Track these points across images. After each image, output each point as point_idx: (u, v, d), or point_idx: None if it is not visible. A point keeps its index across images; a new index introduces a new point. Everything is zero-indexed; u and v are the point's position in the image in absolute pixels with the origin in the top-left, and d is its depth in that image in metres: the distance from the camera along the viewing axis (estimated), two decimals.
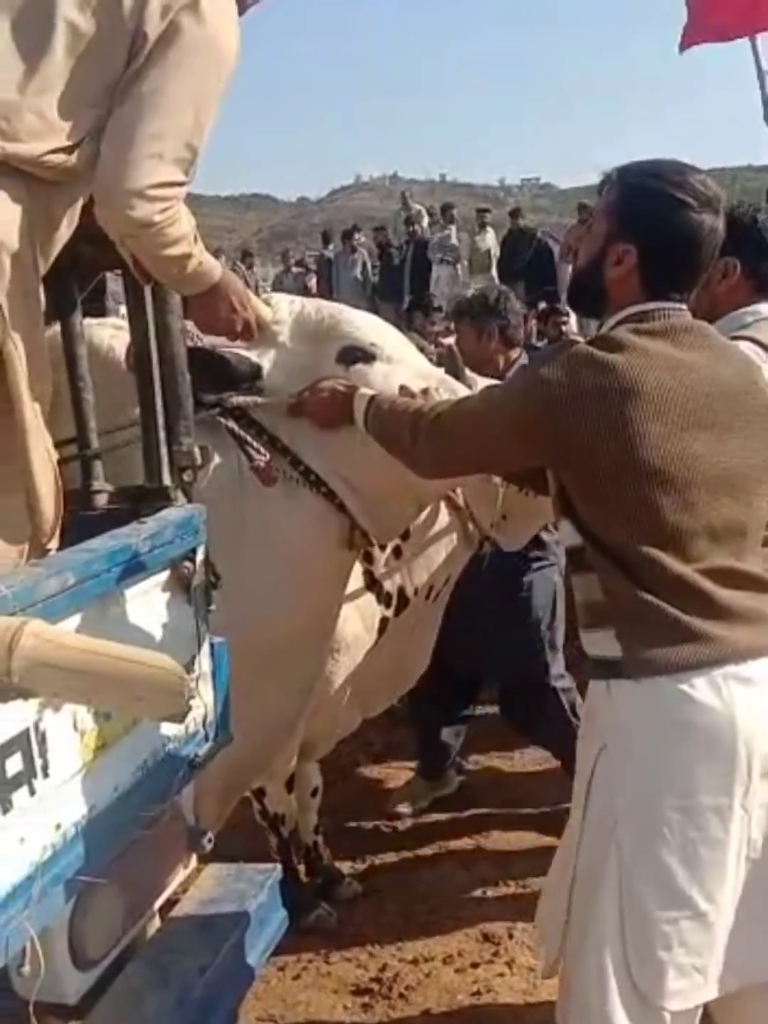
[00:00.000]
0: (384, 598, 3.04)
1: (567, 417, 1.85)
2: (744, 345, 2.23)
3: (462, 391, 2.53)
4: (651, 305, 1.93)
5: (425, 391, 2.44)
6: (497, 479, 2.70)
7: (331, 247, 15.76)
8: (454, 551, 3.12)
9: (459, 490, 2.93)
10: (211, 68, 1.82)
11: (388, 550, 3.00)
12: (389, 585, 3.05)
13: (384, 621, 3.05)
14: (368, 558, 2.96)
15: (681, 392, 1.85)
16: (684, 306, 1.96)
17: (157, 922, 2.09)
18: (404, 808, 3.98)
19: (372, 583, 3.00)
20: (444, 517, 3.05)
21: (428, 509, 2.88)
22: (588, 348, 1.88)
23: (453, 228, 14.15)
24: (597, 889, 1.87)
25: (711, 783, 1.81)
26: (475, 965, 3.09)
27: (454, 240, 13.81)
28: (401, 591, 3.07)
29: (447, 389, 2.51)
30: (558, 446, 1.89)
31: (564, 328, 7.68)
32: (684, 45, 6.36)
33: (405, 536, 2.97)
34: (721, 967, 1.84)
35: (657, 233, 1.92)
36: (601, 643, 1.92)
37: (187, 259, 1.88)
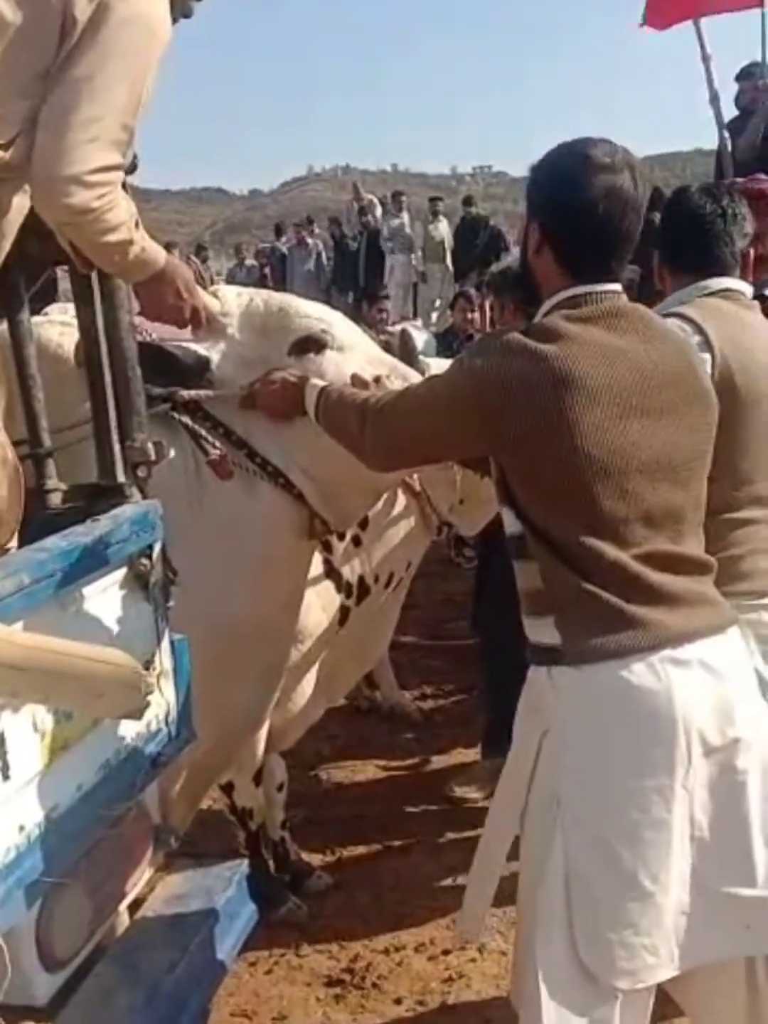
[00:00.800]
0: (344, 587, 3.04)
1: (501, 407, 1.84)
2: None
3: (415, 377, 2.53)
4: (581, 288, 1.91)
5: (377, 379, 2.44)
6: (453, 465, 2.70)
7: (284, 239, 15.71)
8: (413, 537, 3.13)
9: (416, 476, 2.93)
10: (143, 46, 1.80)
11: (347, 539, 3.00)
12: (348, 574, 3.05)
13: (345, 610, 3.05)
14: (327, 547, 2.96)
15: (615, 379, 1.84)
16: (617, 287, 1.94)
17: (126, 920, 2.08)
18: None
19: (331, 572, 3.00)
20: (402, 503, 3.06)
21: (385, 496, 2.88)
22: (521, 338, 1.87)
23: (406, 216, 14.14)
24: (542, 872, 1.88)
25: (652, 765, 1.82)
26: (446, 952, 3.10)
27: (407, 229, 13.80)
28: (361, 580, 3.07)
29: (399, 376, 2.51)
30: (494, 436, 1.88)
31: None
32: (649, 23, 6.45)
33: (363, 524, 2.98)
34: (673, 946, 1.85)
35: (552, 203, 1.92)
36: (542, 630, 1.92)
37: (128, 245, 1.85)
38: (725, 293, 2.42)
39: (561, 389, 1.81)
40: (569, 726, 1.88)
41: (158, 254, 1.97)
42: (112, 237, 1.81)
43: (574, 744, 1.87)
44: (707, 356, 2.21)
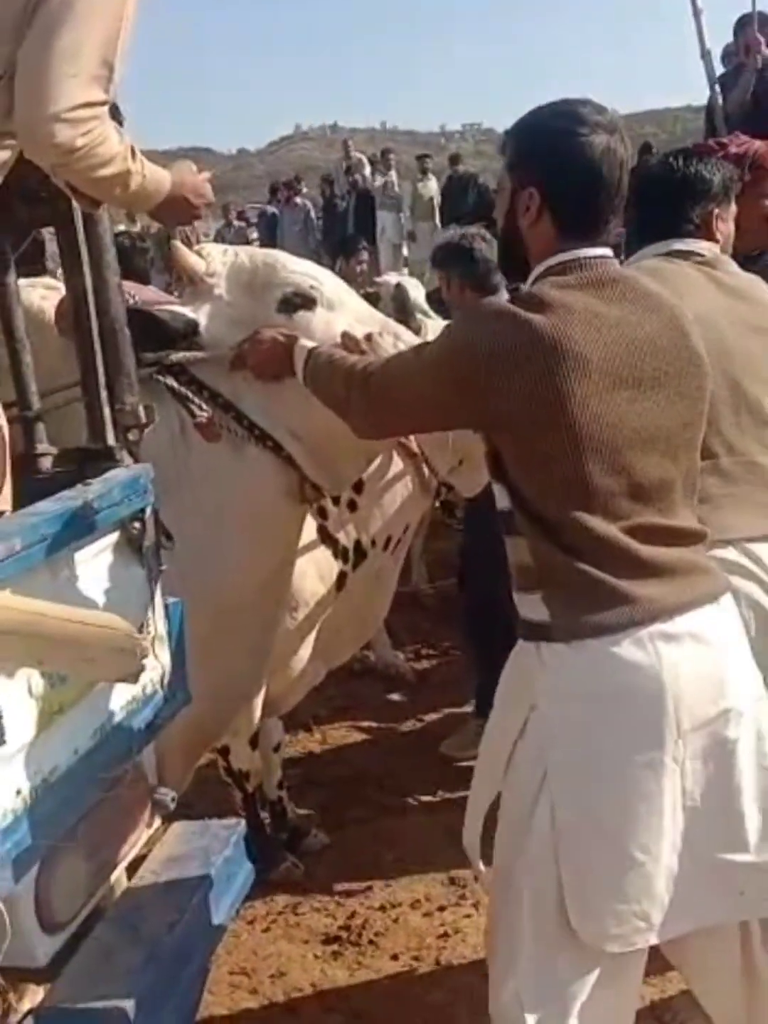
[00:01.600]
0: (340, 552, 3.03)
1: (489, 379, 1.80)
2: None
3: (406, 335, 2.50)
4: (571, 254, 1.87)
5: (369, 337, 2.41)
6: None
7: (273, 199, 15.57)
8: (410, 500, 3.11)
9: (412, 437, 2.91)
10: None
11: (342, 504, 2.99)
12: (344, 539, 3.04)
13: (342, 575, 3.04)
14: (322, 513, 2.94)
15: (605, 349, 1.80)
16: (607, 251, 1.91)
17: (124, 882, 2.10)
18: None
19: (327, 537, 2.99)
20: (398, 466, 3.03)
21: (379, 459, 2.86)
22: (510, 307, 1.82)
23: (393, 174, 14.02)
24: (524, 843, 1.88)
25: (642, 741, 1.81)
26: (442, 909, 3.13)
27: (396, 187, 13.69)
28: (357, 544, 3.06)
29: (390, 333, 2.47)
30: (482, 408, 1.85)
31: None
32: None
33: (359, 488, 2.96)
34: (665, 912, 1.85)
35: (552, 164, 1.87)
36: (531, 606, 1.90)
37: (127, 176, 1.80)
38: (673, 255, 2.43)
39: (551, 360, 1.77)
40: (558, 702, 1.87)
41: (162, 180, 1.90)
42: (107, 171, 1.75)
43: (563, 720, 1.86)
44: None
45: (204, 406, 2.39)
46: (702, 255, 2.44)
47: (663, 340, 1.88)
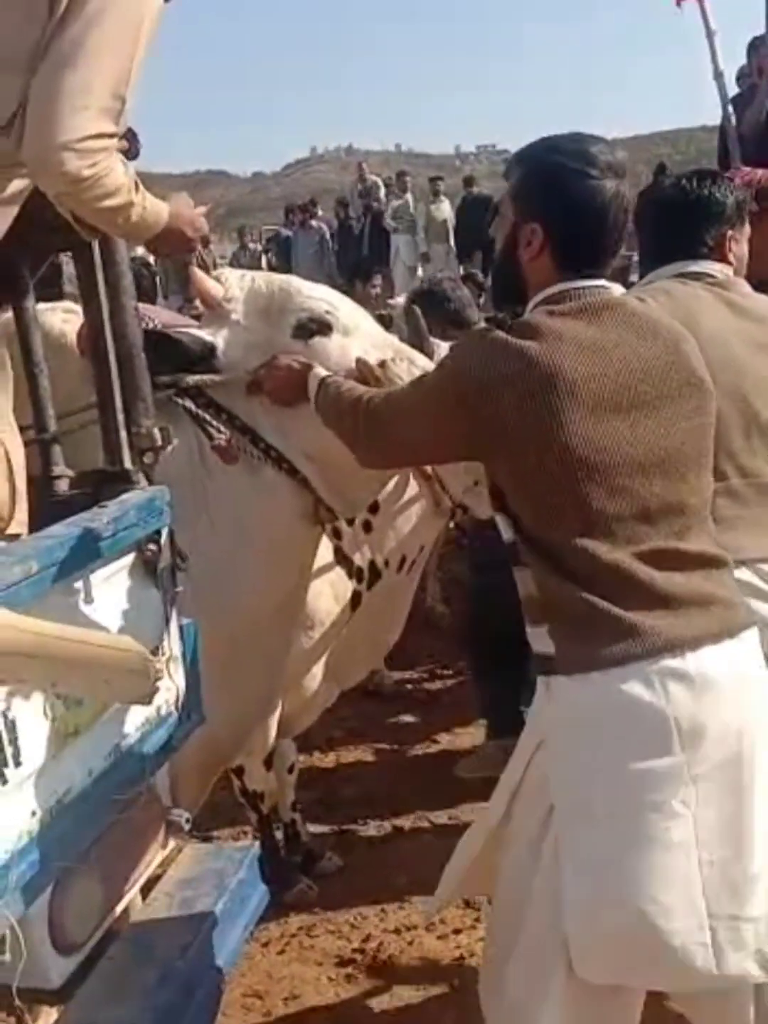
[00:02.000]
0: (355, 573, 3.04)
1: (484, 408, 1.80)
2: None
3: (421, 360, 2.51)
4: (566, 285, 1.89)
5: (383, 363, 2.43)
6: None
7: (288, 222, 15.66)
8: (425, 521, 3.11)
9: None
10: (135, 13, 1.77)
11: (357, 525, 3.00)
12: (359, 559, 3.04)
13: (356, 595, 3.05)
14: (336, 534, 2.95)
15: (599, 375, 1.80)
16: (603, 282, 1.92)
17: (139, 903, 2.10)
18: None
19: (342, 558, 3.00)
20: (413, 488, 3.04)
21: (395, 480, 2.88)
22: (502, 335, 1.83)
23: (409, 196, 14.08)
24: (529, 880, 1.86)
25: (646, 782, 1.76)
26: (457, 932, 3.12)
27: (411, 209, 13.74)
28: (372, 565, 3.07)
29: (405, 358, 2.49)
30: (479, 438, 1.85)
31: None
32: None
33: (374, 509, 2.97)
34: (673, 965, 1.77)
35: (559, 206, 1.88)
36: (539, 639, 1.87)
37: (129, 208, 1.82)
38: (685, 276, 2.44)
39: (545, 387, 1.77)
40: (562, 737, 1.84)
41: (161, 212, 1.93)
42: (111, 202, 1.78)
43: (567, 755, 1.83)
44: None
45: (222, 429, 2.41)
46: (714, 277, 2.44)
47: (659, 362, 1.88)
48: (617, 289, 2.07)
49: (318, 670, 3.08)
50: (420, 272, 13.43)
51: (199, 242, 2.11)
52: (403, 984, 2.94)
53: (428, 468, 2.97)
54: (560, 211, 1.88)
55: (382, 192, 14.59)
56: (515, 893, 1.91)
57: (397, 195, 14.15)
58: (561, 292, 1.89)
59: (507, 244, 1.96)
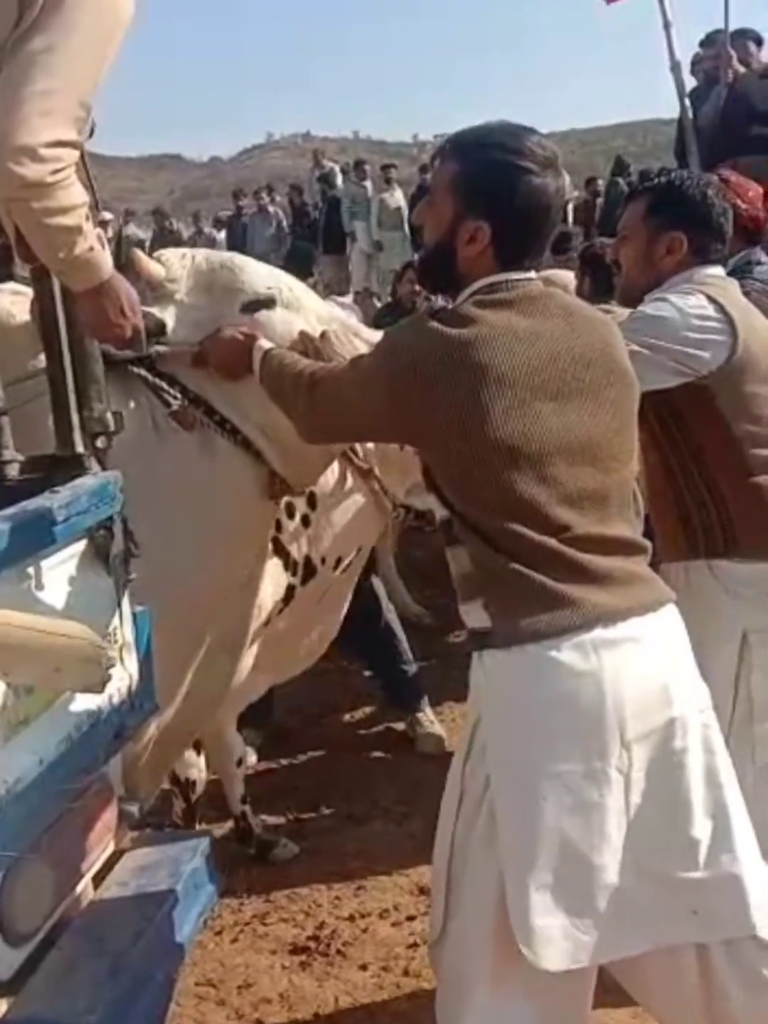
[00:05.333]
0: (291, 565, 2.99)
1: (413, 392, 1.83)
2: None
3: (366, 334, 2.55)
4: (502, 276, 1.91)
5: (324, 335, 2.45)
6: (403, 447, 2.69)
7: (243, 206, 15.55)
8: (364, 519, 3.08)
9: (364, 454, 2.89)
10: (107, 21, 1.76)
11: (296, 518, 2.95)
12: (296, 552, 2.99)
13: (290, 588, 3.00)
14: (276, 525, 2.92)
15: (528, 363, 1.83)
16: (533, 275, 1.95)
17: (90, 893, 2.08)
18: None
19: (279, 549, 2.96)
20: (350, 483, 3.01)
21: (336, 475, 2.86)
22: (434, 324, 1.85)
23: (369, 184, 14.07)
24: (473, 856, 1.87)
25: (583, 749, 1.79)
26: (411, 918, 3.12)
27: (369, 196, 13.73)
28: (308, 560, 3.01)
29: (346, 331, 2.51)
30: (410, 422, 1.88)
31: None
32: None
33: (312, 503, 2.94)
34: (613, 930, 1.81)
35: (508, 206, 1.88)
36: (474, 614, 1.90)
37: (76, 234, 1.77)
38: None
39: (474, 374, 1.80)
40: (499, 710, 1.86)
41: (104, 263, 1.89)
42: (62, 220, 1.74)
43: (504, 728, 1.85)
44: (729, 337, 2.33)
45: (177, 394, 2.40)
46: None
47: (589, 353, 1.91)
48: (567, 276, 2.10)
49: (247, 660, 3.04)
50: (378, 260, 13.42)
51: (128, 331, 2.01)
52: (358, 971, 2.94)
53: (365, 465, 2.94)
54: (509, 212, 1.90)
55: (339, 179, 14.55)
56: (454, 871, 1.92)
57: (355, 182, 14.13)
58: (493, 283, 1.91)
59: (445, 236, 1.95)
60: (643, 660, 1.84)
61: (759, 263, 3.08)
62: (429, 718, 4.24)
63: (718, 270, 2.51)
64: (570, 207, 12.05)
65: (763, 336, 2.41)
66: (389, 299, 7.49)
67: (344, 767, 4.07)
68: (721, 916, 1.85)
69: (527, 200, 1.88)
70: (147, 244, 13.07)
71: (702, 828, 1.85)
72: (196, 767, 3.19)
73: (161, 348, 2.42)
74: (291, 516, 2.91)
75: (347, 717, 4.50)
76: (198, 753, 3.19)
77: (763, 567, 2.36)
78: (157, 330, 2.42)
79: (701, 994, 1.88)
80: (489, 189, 1.90)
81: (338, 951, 3.01)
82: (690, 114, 6.41)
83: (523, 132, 1.92)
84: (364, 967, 2.95)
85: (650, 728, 1.83)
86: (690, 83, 6.70)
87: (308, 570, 3.00)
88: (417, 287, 6.51)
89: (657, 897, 1.83)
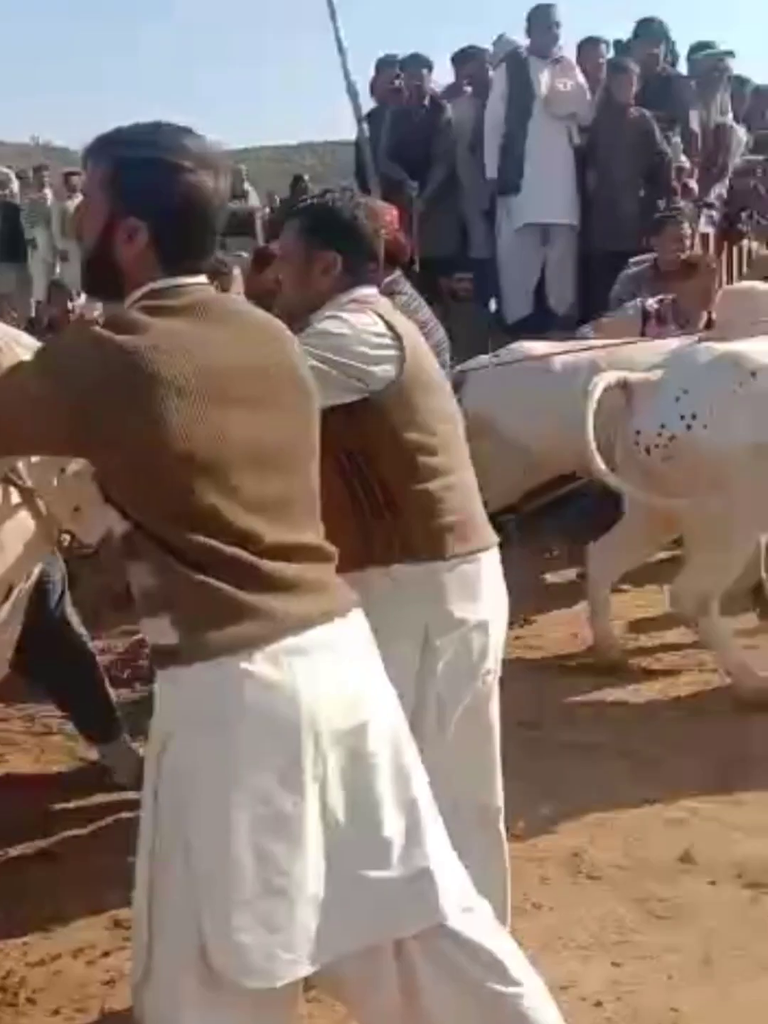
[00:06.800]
0: None
1: (85, 405, 1.74)
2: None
3: (27, 341, 2.49)
4: (170, 281, 1.86)
5: None
6: (72, 468, 2.59)
7: None
8: (29, 545, 2.91)
9: (25, 475, 2.76)
10: None
11: None
12: None
13: None
14: None
15: (202, 371, 1.79)
16: (203, 279, 1.92)
17: None
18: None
19: None
20: (15, 504, 2.85)
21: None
22: (100, 332, 1.77)
23: (49, 191, 13.59)
24: (173, 883, 1.82)
25: (278, 760, 1.78)
26: (106, 954, 2.99)
27: (49, 203, 13.28)
28: None
29: (24, 348, 2.43)
30: (79, 434, 1.78)
31: None
32: None
33: None
34: (311, 943, 1.80)
35: (164, 204, 1.84)
36: (159, 631, 1.84)
37: None
38: None
39: (148, 384, 1.73)
40: (189, 728, 1.81)
41: None
42: None
43: (194, 745, 1.80)
44: (398, 352, 2.40)
45: None
46: None
47: (265, 360, 1.90)
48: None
49: None
50: (58, 269, 12.99)
51: None
52: (50, 1017, 2.79)
53: (24, 485, 2.80)
54: (165, 210, 1.85)
55: (15, 185, 13.94)
56: (154, 900, 1.84)
57: (35, 189, 13.60)
58: (162, 288, 1.86)
59: (101, 237, 1.89)
60: (335, 666, 1.85)
61: (402, 292, 3.22)
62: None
63: (373, 290, 2.57)
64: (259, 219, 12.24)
65: (423, 350, 2.53)
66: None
67: (27, 803, 3.84)
68: (413, 910, 1.88)
69: (184, 198, 1.84)
70: None
71: (394, 827, 1.87)
72: None
73: None
74: None
75: (32, 752, 4.30)
76: None
77: (434, 566, 2.45)
78: None
79: (402, 994, 1.90)
80: (143, 187, 1.84)
81: (27, 1000, 2.84)
82: (366, 135, 6.61)
83: (179, 131, 1.88)
84: (56, 1011, 2.80)
85: (343, 732, 1.84)
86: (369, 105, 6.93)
87: None
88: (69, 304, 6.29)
89: (355, 899, 1.83)
